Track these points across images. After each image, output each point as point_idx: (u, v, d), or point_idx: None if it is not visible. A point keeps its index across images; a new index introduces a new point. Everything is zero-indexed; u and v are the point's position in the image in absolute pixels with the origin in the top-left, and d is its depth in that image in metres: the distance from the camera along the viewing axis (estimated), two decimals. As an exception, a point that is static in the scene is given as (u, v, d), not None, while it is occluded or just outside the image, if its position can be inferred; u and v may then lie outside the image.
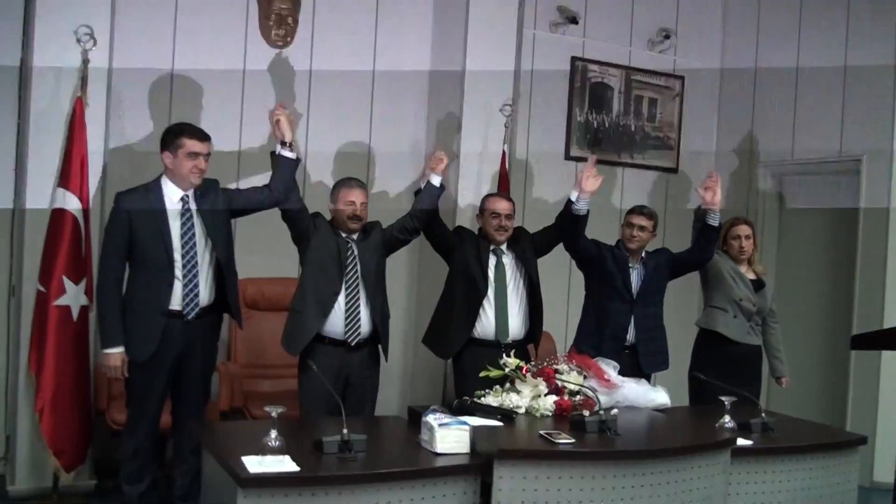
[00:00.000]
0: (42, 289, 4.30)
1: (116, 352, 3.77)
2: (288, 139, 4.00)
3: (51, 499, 4.41)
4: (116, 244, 3.77)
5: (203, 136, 3.86)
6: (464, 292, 4.46)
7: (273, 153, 4.05)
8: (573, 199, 4.50)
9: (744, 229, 4.79)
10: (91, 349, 4.49)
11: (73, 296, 4.30)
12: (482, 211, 4.60)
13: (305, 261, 4.19)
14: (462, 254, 4.49)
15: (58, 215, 4.33)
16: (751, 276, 4.78)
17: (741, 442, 3.55)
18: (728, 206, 6.63)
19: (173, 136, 3.84)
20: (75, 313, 4.32)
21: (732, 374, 4.45)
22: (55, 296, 4.27)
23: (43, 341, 4.27)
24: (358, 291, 4.12)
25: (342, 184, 4.25)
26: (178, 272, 3.78)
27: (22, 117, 4.64)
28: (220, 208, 3.94)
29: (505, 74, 5.70)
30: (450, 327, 4.48)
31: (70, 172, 4.33)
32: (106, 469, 4.69)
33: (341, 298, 4.10)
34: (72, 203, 4.33)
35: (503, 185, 5.51)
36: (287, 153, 4.01)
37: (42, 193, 4.45)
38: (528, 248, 4.61)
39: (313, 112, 5.65)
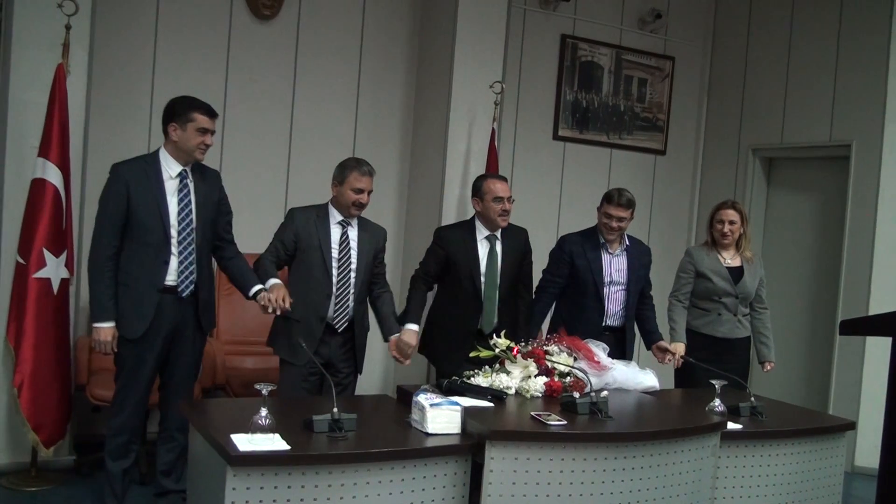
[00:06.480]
0: (21, 261, 4.21)
1: (108, 326, 3.68)
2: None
3: (29, 474, 4.34)
4: (113, 216, 3.66)
5: (213, 113, 3.78)
6: (460, 307, 4.37)
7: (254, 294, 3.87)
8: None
9: (729, 214, 4.70)
10: (72, 323, 4.42)
11: (53, 268, 4.21)
12: (481, 194, 4.39)
13: (292, 269, 4.05)
14: (453, 267, 4.37)
15: (38, 185, 4.22)
16: (735, 262, 4.73)
17: (731, 426, 3.55)
18: (716, 191, 6.67)
19: (184, 109, 3.73)
20: (56, 286, 4.23)
21: (718, 360, 4.44)
22: (35, 268, 4.18)
23: (22, 314, 4.18)
24: (349, 277, 4.03)
25: (355, 167, 4.02)
26: (175, 248, 3.70)
27: (1, 84, 4.52)
28: (214, 198, 3.87)
29: (495, 51, 5.63)
30: (446, 345, 4.38)
31: (51, 142, 4.22)
32: (86, 445, 4.63)
33: (333, 289, 3.99)
34: (52, 173, 4.22)
35: (492, 163, 5.46)
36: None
37: (22, 163, 4.34)
38: (523, 252, 4.54)
39: (299, 84, 5.56)
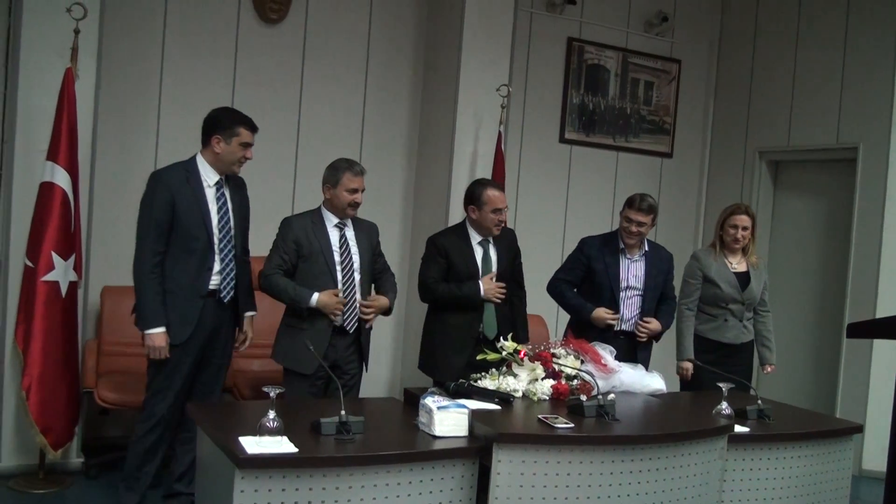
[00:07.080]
0: (30, 264, 4.23)
1: (160, 331, 3.67)
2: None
3: (37, 476, 4.35)
4: (159, 223, 3.66)
5: (256, 128, 3.84)
6: (461, 314, 4.33)
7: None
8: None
9: (743, 220, 4.66)
10: (80, 326, 4.43)
11: (61, 272, 4.23)
12: (480, 203, 4.31)
13: (295, 279, 4.01)
14: (451, 274, 4.34)
15: (46, 189, 4.24)
16: (741, 267, 4.71)
17: (738, 429, 3.54)
18: (722, 194, 6.67)
19: (230, 123, 3.75)
20: (64, 289, 4.25)
21: (723, 363, 4.43)
22: (43, 271, 4.20)
23: (30, 317, 4.20)
24: (353, 277, 4.03)
25: (347, 168, 4.01)
26: (217, 255, 3.74)
27: (10, 88, 4.55)
28: (244, 206, 3.94)
29: (501, 54, 5.64)
30: (448, 353, 4.32)
31: (59, 145, 4.23)
32: (94, 447, 4.64)
33: (340, 293, 3.98)
34: (60, 177, 4.24)
35: (498, 166, 5.47)
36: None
37: (30, 166, 4.36)
38: (514, 252, 4.53)
39: (306, 88, 5.58)
